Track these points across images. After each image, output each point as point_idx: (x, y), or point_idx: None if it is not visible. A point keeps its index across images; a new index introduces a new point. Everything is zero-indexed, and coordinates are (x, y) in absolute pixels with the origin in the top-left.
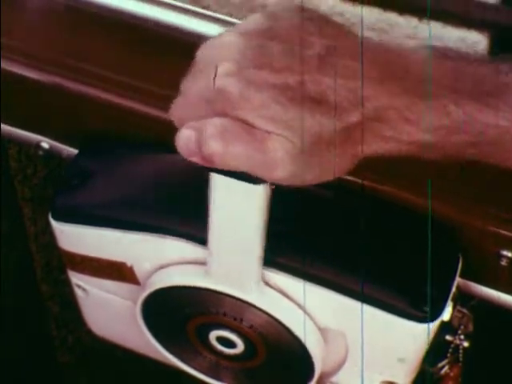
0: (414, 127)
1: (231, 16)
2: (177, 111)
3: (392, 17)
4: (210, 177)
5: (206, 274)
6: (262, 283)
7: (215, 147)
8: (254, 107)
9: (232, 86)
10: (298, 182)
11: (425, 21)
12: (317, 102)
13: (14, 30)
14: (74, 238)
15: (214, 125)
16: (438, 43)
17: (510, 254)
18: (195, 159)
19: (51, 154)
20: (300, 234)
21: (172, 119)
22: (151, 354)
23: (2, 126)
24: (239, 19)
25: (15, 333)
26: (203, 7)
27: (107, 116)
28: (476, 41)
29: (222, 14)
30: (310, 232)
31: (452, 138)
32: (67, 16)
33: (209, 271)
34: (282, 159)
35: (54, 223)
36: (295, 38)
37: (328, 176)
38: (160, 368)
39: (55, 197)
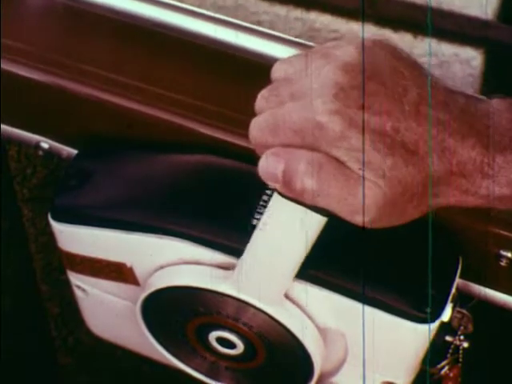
0: (491, 181)
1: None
2: (259, 133)
3: (387, 33)
4: (274, 195)
5: (226, 279)
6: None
7: (309, 185)
8: (352, 148)
9: (335, 123)
10: (369, 226)
11: (420, 37)
12: (410, 152)
13: (14, 30)
14: (74, 238)
15: (308, 160)
16: (433, 59)
17: (509, 255)
18: (276, 186)
19: (51, 154)
20: None
21: (251, 139)
22: (151, 355)
23: (2, 126)
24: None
25: (15, 333)
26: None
27: (107, 116)
28: (471, 57)
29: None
30: None
31: None
32: (67, 16)
33: (232, 277)
34: (370, 207)
35: (53, 223)
36: (391, 81)
37: (398, 222)
38: (160, 368)
39: (55, 197)
